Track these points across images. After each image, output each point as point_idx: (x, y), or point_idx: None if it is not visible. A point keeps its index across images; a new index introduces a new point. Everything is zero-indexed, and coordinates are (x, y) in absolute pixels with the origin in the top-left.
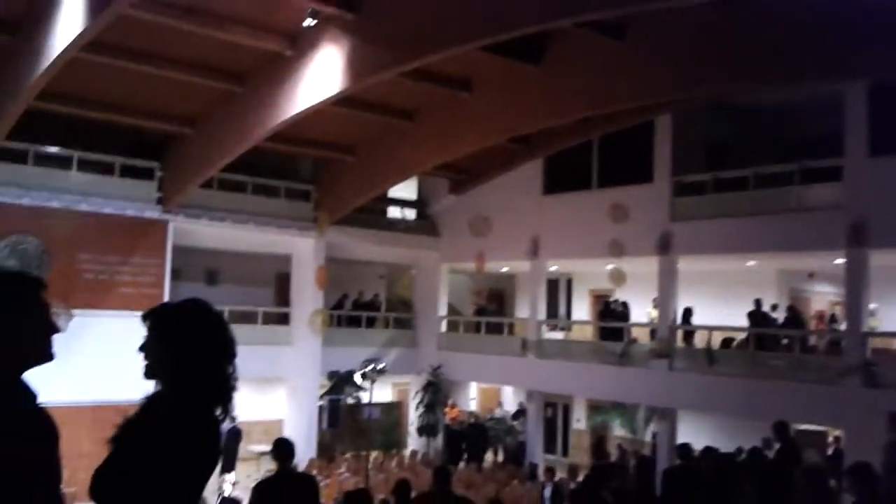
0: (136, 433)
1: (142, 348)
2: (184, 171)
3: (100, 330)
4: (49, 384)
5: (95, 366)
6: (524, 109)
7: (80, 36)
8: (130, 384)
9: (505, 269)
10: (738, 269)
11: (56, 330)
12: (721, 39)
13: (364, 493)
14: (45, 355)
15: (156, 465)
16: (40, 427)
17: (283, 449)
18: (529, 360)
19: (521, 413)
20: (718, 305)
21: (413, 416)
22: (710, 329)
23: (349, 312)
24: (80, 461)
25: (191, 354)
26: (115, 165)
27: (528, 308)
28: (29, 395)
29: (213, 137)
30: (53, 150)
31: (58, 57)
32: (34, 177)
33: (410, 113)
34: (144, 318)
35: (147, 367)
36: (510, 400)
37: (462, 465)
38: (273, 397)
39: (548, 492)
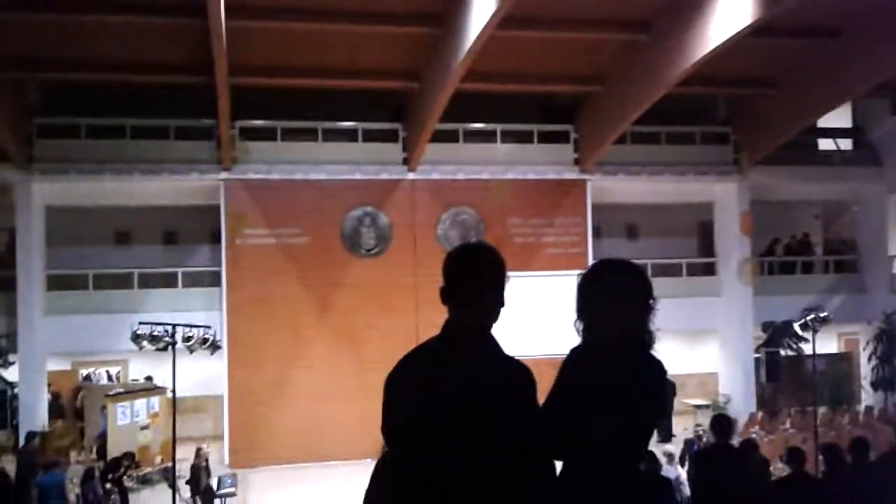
0: (580, 384)
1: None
2: (597, 130)
3: (530, 290)
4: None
5: (529, 324)
6: None
7: (494, 15)
8: (561, 339)
9: None
10: None
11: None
12: None
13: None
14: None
15: (611, 411)
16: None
17: (723, 425)
18: None
19: None
20: None
21: (865, 368)
22: None
23: (781, 258)
24: None
25: (613, 307)
26: (532, 133)
27: None
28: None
29: (623, 91)
30: (479, 126)
31: (477, 37)
32: (465, 152)
33: (835, 29)
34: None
35: (580, 321)
36: None
37: None
38: (705, 350)
39: None
